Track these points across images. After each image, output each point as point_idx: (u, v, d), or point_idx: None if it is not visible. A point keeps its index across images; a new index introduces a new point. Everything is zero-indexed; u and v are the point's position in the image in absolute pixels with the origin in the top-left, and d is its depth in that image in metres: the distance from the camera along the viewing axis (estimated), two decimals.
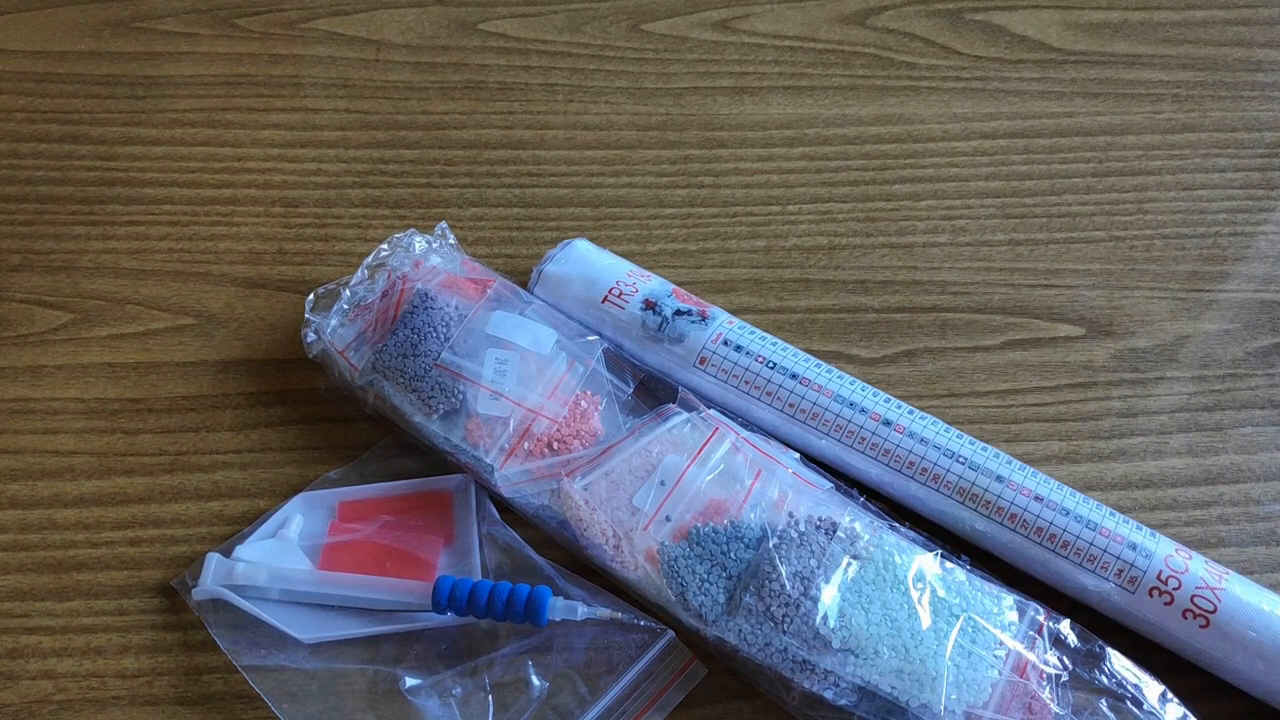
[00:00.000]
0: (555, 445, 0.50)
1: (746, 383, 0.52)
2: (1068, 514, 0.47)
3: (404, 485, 0.51)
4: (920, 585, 0.44)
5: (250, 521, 0.50)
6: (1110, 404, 0.55)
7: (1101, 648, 0.45)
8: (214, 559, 0.48)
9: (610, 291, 0.55)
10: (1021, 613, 0.45)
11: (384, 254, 0.55)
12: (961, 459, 0.49)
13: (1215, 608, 0.45)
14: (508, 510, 0.50)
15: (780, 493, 0.47)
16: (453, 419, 0.50)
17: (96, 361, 0.56)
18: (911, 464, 0.49)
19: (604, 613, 0.46)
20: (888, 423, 0.50)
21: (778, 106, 0.68)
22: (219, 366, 0.56)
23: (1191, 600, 0.45)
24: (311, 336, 0.54)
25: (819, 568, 0.44)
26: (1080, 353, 0.57)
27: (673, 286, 0.55)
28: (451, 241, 0.57)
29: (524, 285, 0.56)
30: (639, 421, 0.50)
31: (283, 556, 0.48)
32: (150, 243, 0.61)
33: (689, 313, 0.54)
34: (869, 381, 0.52)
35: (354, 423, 0.54)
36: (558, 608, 0.45)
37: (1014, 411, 0.55)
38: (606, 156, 0.66)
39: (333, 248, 0.61)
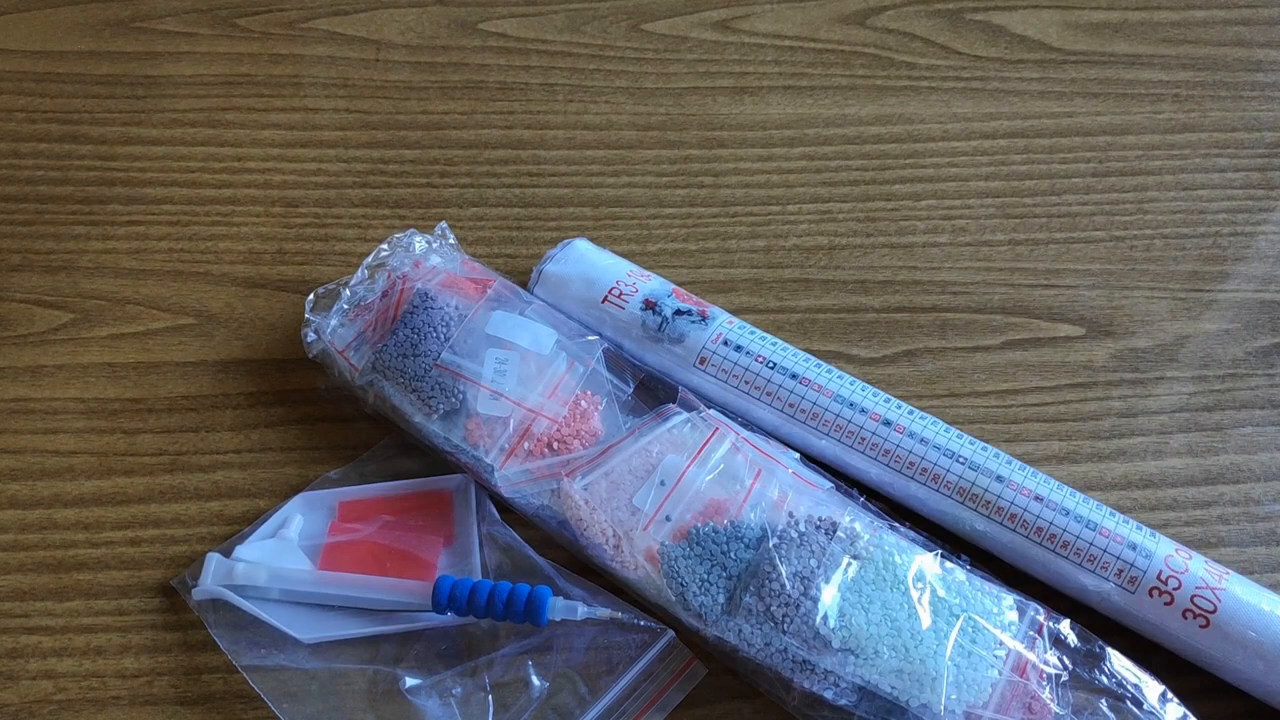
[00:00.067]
0: (555, 445, 0.50)
1: (746, 383, 0.52)
2: (1068, 514, 0.47)
3: (404, 485, 0.51)
4: (920, 585, 0.44)
5: (250, 521, 0.50)
6: (1110, 404, 0.55)
7: (1101, 648, 0.45)
8: (214, 559, 0.48)
9: (610, 291, 0.55)
10: (1021, 613, 0.45)
11: (384, 254, 0.55)
12: (961, 459, 0.49)
13: (1215, 608, 0.45)
14: (508, 510, 0.50)
15: (780, 493, 0.47)
16: (453, 419, 0.50)
17: (96, 361, 0.56)
18: (911, 464, 0.49)
19: (604, 613, 0.46)
20: (888, 423, 0.50)
21: (778, 106, 0.68)
22: (219, 366, 0.56)
23: (1191, 600, 0.45)
24: (311, 336, 0.54)
25: (819, 568, 0.45)
26: (1080, 353, 0.57)
27: (673, 286, 0.55)
28: (451, 241, 0.57)
29: (524, 285, 0.56)
30: (639, 421, 0.50)
31: (283, 556, 0.48)
32: (150, 243, 0.61)
33: (689, 313, 0.54)
34: (869, 381, 0.52)
35: (354, 423, 0.54)
36: (558, 608, 0.45)
37: (1014, 411, 0.55)
38: (606, 156, 0.66)
39: (333, 248, 0.61)
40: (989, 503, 0.48)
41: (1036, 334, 0.58)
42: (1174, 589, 0.45)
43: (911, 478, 0.49)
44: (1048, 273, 0.61)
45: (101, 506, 0.51)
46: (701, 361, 0.53)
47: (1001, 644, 0.44)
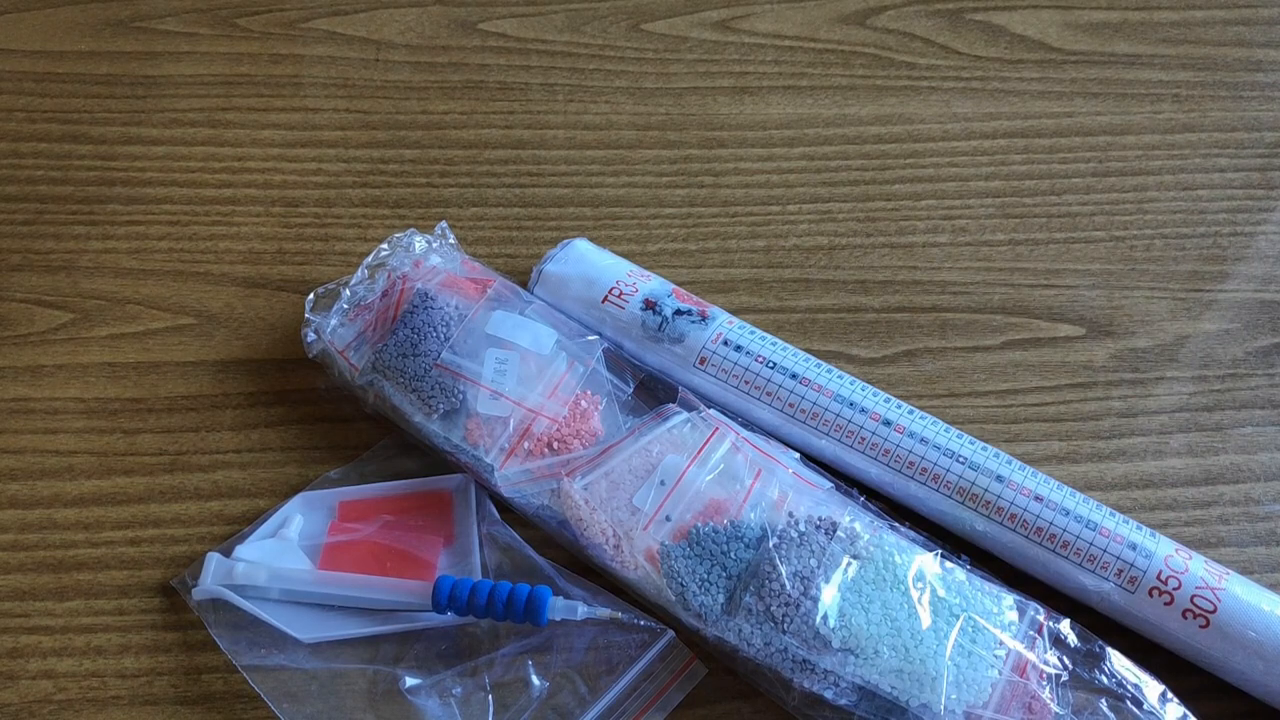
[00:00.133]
0: (555, 445, 0.50)
1: (746, 383, 0.52)
2: (1068, 514, 0.47)
3: (404, 485, 0.51)
4: (920, 585, 0.44)
5: (250, 521, 0.50)
6: (1110, 404, 0.55)
7: (1101, 648, 0.45)
8: (214, 559, 0.48)
9: (610, 291, 0.55)
10: (1021, 613, 0.45)
11: (384, 254, 0.55)
12: (961, 459, 0.49)
13: (1215, 608, 0.45)
14: (508, 510, 0.50)
15: (780, 492, 0.47)
16: (453, 419, 0.50)
17: (96, 361, 0.56)
18: (911, 464, 0.49)
19: (604, 613, 0.46)
20: (888, 423, 0.50)
21: (778, 106, 0.68)
22: (219, 366, 0.56)
23: (1191, 600, 0.45)
24: (311, 336, 0.54)
25: (819, 567, 0.44)
26: (1080, 353, 0.57)
27: (673, 286, 0.55)
28: (451, 241, 0.57)
29: (524, 285, 0.56)
30: (639, 421, 0.50)
31: (283, 556, 0.48)
32: (150, 243, 0.61)
33: (689, 313, 0.54)
34: (869, 381, 0.52)
35: (354, 423, 0.54)
36: (558, 607, 0.45)
37: (1014, 411, 0.55)
38: (606, 156, 0.66)
39: (333, 248, 0.61)
40: (989, 503, 0.48)
41: (1036, 334, 0.58)
42: (1174, 589, 0.45)
43: (911, 478, 0.49)
44: (1048, 273, 0.61)
45: (101, 506, 0.51)
46: (701, 361, 0.53)
47: (1001, 644, 0.44)
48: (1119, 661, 0.44)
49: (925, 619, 0.44)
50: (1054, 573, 0.47)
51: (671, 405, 0.50)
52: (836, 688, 0.43)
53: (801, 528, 0.46)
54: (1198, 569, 0.46)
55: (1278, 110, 0.69)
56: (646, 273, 0.56)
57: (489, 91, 0.69)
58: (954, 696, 0.42)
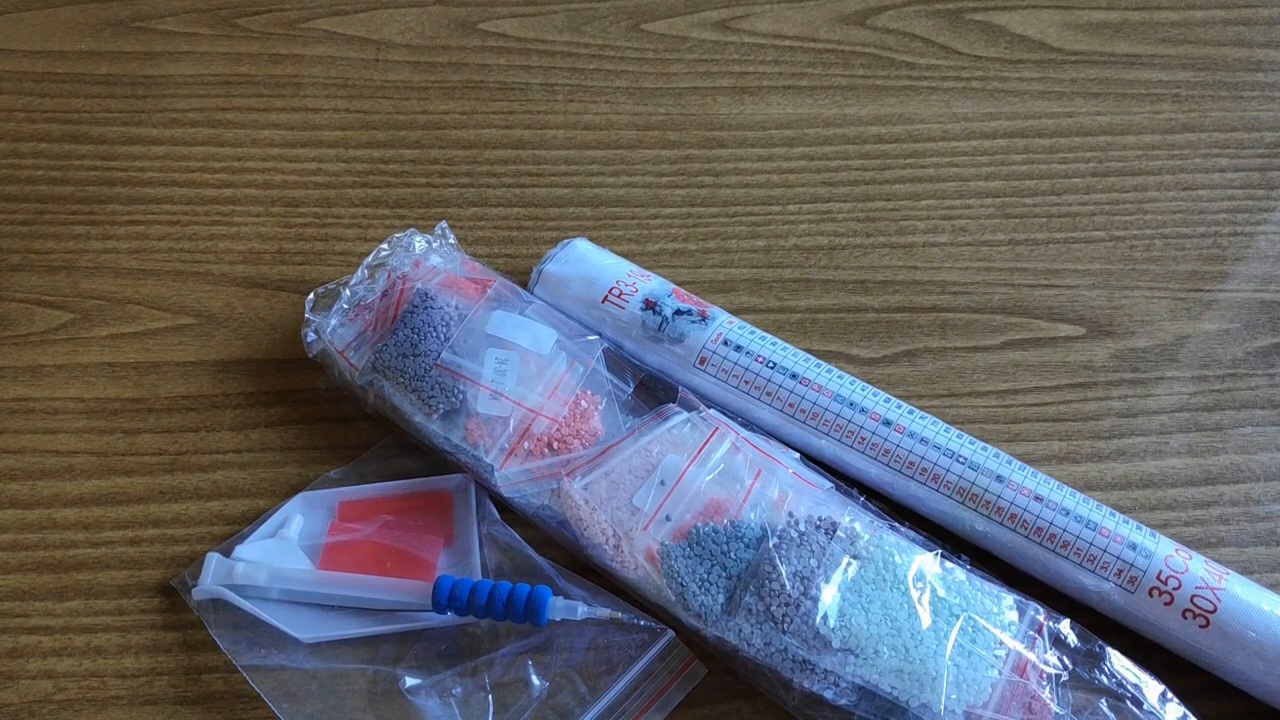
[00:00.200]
0: (555, 445, 0.50)
1: (746, 383, 0.52)
2: (1068, 514, 0.47)
3: (404, 485, 0.51)
4: (920, 585, 0.44)
5: (250, 521, 0.50)
6: (1110, 404, 0.55)
7: (1101, 648, 0.45)
8: (214, 559, 0.48)
9: (610, 291, 0.55)
10: (1021, 613, 0.45)
11: (384, 254, 0.55)
12: (961, 459, 0.49)
13: (1215, 608, 0.45)
14: (508, 510, 0.50)
15: (780, 492, 0.47)
16: (453, 419, 0.50)
17: (96, 361, 0.56)
18: (911, 464, 0.49)
19: (604, 613, 0.46)
20: (888, 423, 0.50)
21: (778, 106, 0.68)
22: (219, 366, 0.56)
23: (1191, 600, 0.45)
24: (311, 336, 0.54)
25: (819, 567, 0.44)
26: (1080, 353, 0.57)
27: (673, 286, 0.55)
28: (451, 241, 0.57)
29: (524, 285, 0.56)
30: (639, 421, 0.50)
31: (283, 556, 0.48)
32: (150, 243, 0.61)
33: (689, 313, 0.54)
34: (869, 381, 0.52)
35: (354, 423, 0.54)
36: (558, 607, 0.45)
37: (1014, 411, 0.55)
38: (606, 156, 0.66)
39: (333, 248, 0.61)
40: (989, 503, 0.48)
41: (1036, 334, 0.58)
42: (1174, 589, 0.45)
43: (911, 478, 0.49)
44: (1048, 273, 0.61)
45: (101, 506, 0.51)
46: (701, 361, 0.53)
47: (1001, 644, 0.44)
48: (1119, 661, 0.44)
49: (925, 619, 0.44)
50: (1054, 573, 0.47)
51: (671, 405, 0.50)
52: (836, 688, 0.43)
53: (801, 528, 0.46)
54: (1198, 569, 0.46)
55: (1278, 110, 0.69)
56: (646, 273, 0.56)
57: (489, 91, 0.69)
58: (954, 696, 0.42)
